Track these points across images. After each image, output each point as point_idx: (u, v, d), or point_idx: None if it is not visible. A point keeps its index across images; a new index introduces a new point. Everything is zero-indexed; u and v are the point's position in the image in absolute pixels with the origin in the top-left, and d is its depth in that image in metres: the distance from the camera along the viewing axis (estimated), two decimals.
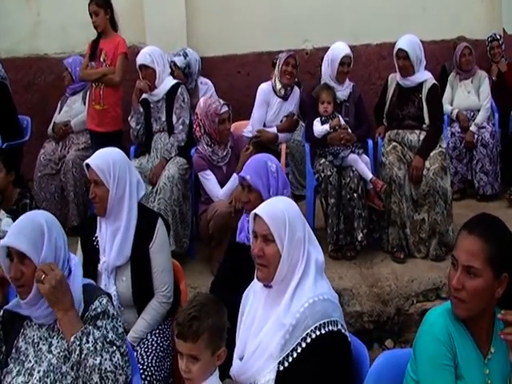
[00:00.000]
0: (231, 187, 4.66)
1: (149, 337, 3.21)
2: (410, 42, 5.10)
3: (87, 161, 3.22)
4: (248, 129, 5.46)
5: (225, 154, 4.77)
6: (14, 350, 2.45)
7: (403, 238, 4.94)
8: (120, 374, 2.38)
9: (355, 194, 4.82)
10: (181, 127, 5.11)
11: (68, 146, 5.74)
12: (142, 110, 5.22)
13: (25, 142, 6.11)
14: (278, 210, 2.43)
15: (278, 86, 5.50)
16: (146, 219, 3.33)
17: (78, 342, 2.33)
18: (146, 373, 2.97)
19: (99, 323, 2.42)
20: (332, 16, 7.17)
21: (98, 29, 5.51)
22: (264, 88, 5.51)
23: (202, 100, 4.88)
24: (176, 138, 5.09)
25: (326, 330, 2.31)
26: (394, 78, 5.34)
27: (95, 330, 2.38)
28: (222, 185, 4.70)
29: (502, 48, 6.74)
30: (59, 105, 6.03)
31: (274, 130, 5.44)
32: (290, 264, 2.40)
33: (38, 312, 2.42)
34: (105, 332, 2.41)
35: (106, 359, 2.35)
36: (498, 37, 6.77)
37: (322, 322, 2.32)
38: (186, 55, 5.97)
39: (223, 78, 6.69)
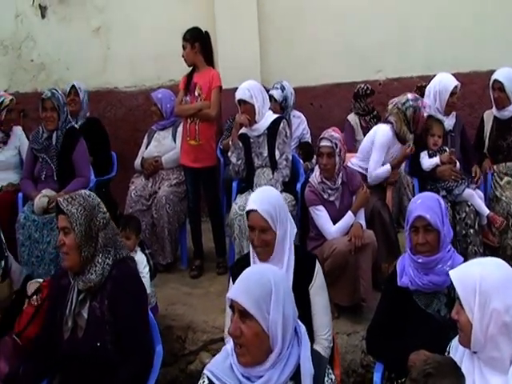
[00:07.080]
0: (346, 225, 4.48)
1: None
2: (507, 73, 5.07)
3: (252, 207, 3.12)
4: (352, 162, 5.23)
5: (334, 187, 4.54)
6: None
7: None
8: None
9: (471, 230, 4.67)
10: (284, 163, 5.02)
11: (159, 181, 5.56)
12: (241, 144, 5.12)
13: (112, 177, 6.02)
14: (470, 275, 2.24)
15: (406, 132, 5.04)
16: (305, 259, 3.23)
17: None
18: None
19: None
20: (404, 46, 7.10)
21: (186, 62, 5.41)
22: (389, 133, 5.03)
23: None
24: (281, 174, 4.99)
25: None
26: (491, 114, 5.31)
27: None
28: (334, 221, 4.51)
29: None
30: (146, 139, 5.88)
31: (387, 166, 5.07)
32: (485, 335, 2.20)
33: None
34: None
35: None
36: None
37: None
38: (283, 88, 5.93)
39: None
